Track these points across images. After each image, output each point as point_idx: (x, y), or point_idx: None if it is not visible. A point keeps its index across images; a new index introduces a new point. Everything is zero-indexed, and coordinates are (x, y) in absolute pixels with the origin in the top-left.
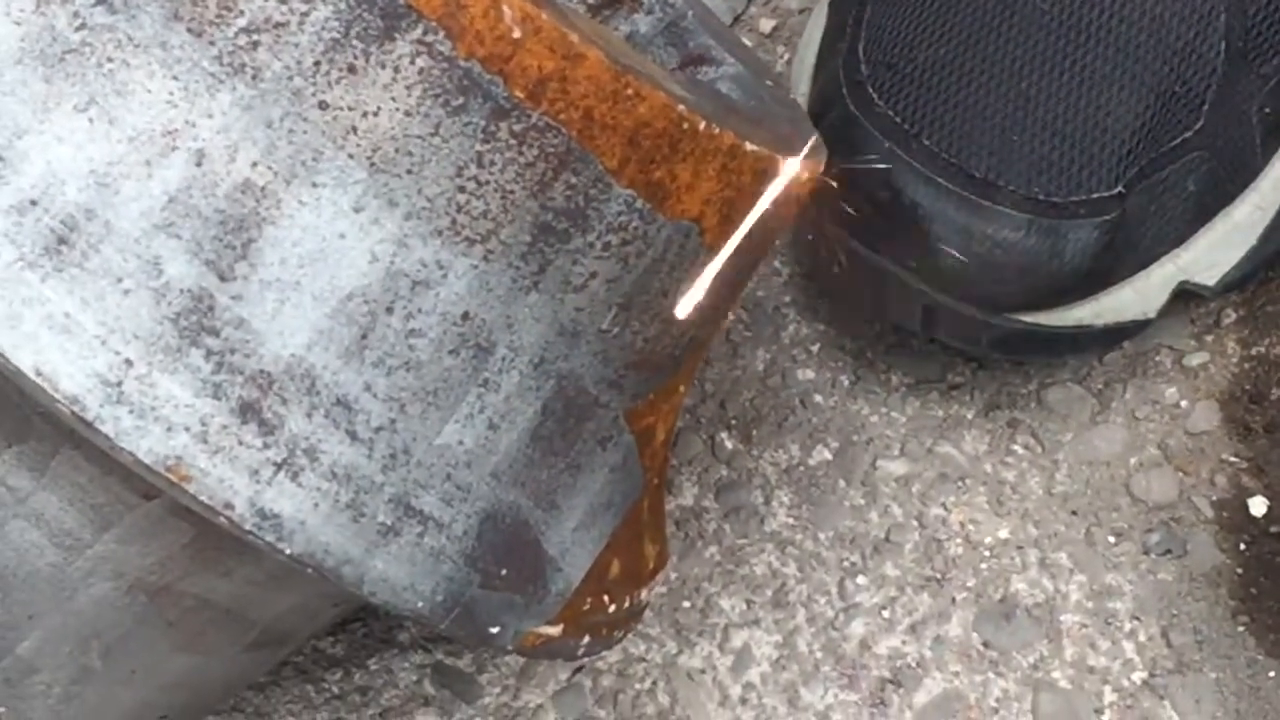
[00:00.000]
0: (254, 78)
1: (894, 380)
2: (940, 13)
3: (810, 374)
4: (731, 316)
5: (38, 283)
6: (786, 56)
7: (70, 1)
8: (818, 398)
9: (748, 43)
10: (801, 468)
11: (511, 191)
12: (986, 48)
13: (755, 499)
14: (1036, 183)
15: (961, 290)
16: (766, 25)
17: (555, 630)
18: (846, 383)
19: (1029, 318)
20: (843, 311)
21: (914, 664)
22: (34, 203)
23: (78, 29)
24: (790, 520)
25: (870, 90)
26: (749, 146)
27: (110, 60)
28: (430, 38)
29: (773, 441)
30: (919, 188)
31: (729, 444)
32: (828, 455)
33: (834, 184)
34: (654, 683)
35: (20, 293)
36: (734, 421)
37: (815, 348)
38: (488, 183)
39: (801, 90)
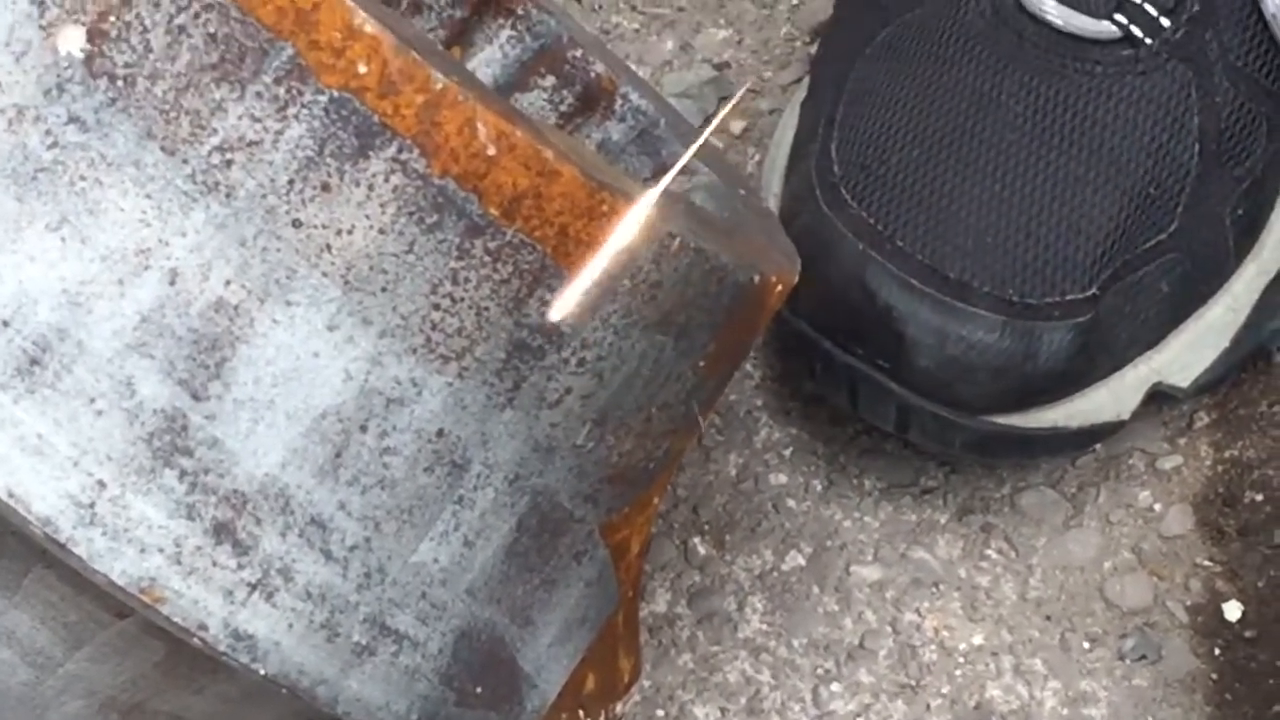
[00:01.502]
0: (227, 196)
1: (867, 485)
2: (913, 114)
3: (783, 479)
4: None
5: (10, 404)
6: (757, 157)
7: (43, 120)
8: (790, 503)
9: (718, 144)
10: (775, 573)
11: (486, 308)
12: (960, 149)
13: (728, 605)
14: (1011, 284)
15: (935, 391)
16: (737, 126)
17: None
18: (819, 487)
19: (1003, 419)
20: (815, 416)
21: None
22: (6, 323)
23: (50, 147)
24: (764, 627)
25: (843, 191)
26: (724, 259)
27: (83, 179)
28: (405, 155)
29: (746, 547)
30: (892, 289)
31: (702, 549)
32: (801, 561)
33: (807, 286)
34: None
35: None
36: (707, 527)
37: (788, 452)
38: (462, 300)
39: (773, 191)
